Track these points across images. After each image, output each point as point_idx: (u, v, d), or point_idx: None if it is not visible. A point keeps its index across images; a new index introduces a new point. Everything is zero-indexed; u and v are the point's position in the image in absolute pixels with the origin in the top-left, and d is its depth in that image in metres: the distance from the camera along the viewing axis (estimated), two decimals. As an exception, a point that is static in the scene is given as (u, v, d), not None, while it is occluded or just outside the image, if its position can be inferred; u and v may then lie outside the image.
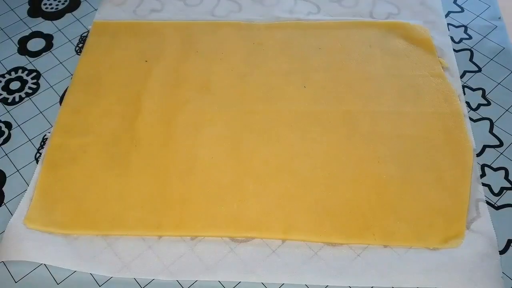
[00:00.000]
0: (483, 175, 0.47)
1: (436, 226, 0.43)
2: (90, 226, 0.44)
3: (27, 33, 0.61)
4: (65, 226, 0.44)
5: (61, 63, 0.58)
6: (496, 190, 0.46)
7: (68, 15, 0.63)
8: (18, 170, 0.49)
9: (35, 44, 0.60)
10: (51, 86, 0.56)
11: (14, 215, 0.45)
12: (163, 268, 0.42)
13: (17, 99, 0.55)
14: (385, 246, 0.43)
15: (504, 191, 0.46)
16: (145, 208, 0.45)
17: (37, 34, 0.61)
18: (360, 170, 0.47)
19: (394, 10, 0.61)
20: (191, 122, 0.51)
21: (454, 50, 0.57)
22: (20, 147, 0.51)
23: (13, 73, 0.57)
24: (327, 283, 0.41)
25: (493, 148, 0.49)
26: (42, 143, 0.51)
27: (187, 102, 0.52)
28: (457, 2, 0.63)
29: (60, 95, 0.54)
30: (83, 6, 0.64)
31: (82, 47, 0.59)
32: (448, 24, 0.60)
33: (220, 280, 0.42)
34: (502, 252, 0.43)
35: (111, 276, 0.42)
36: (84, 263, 0.42)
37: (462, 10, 0.62)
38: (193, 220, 0.44)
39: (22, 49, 0.60)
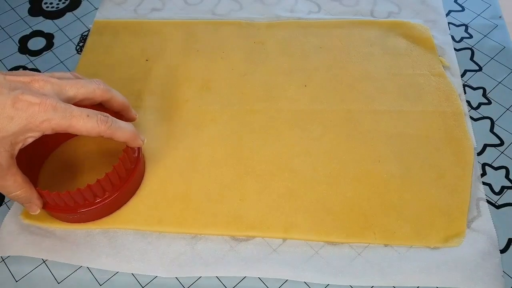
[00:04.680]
0: (483, 174, 0.47)
1: (437, 225, 0.43)
2: (88, 222, 0.44)
3: (27, 32, 0.61)
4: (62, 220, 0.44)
5: (61, 62, 0.58)
6: (496, 189, 0.46)
7: (68, 14, 0.63)
8: (19, 169, 0.49)
9: (36, 43, 0.60)
10: (52, 85, 0.56)
11: (11, 209, 0.45)
12: (164, 266, 0.42)
13: (17, 98, 0.55)
14: (386, 245, 0.43)
15: (505, 190, 0.46)
16: (145, 207, 0.45)
17: (37, 33, 0.61)
18: (361, 169, 0.47)
19: (395, 9, 0.61)
20: (192, 120, 0.51)
21: (454, 49, 0.57)
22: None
23: (13, 72, 0.57)
24: (327, 281, 0.41)
25: (493, 147, 0.49)
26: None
27: (187, 101, 0.52)
28: (458, 1, 0.63)
29: (61, 94, 0.54)
30: (84, 5, 0.64)
31: (82, 46, 0.59)
32: (449, 23, 0.60)
33: (220, 279, 0.42)
34: (503, 251, 0.43)
35: (110, 272, 0.42)
36: (82, 258, 0.42)
37: (463, 9, 0.62)
38: (194, 219, 0.44)
39: (23, 48, 0.60)
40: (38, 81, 0.37)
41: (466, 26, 0.60)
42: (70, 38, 0.61)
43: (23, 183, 0.39)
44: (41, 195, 0.40)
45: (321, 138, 0.49)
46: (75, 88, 0.39)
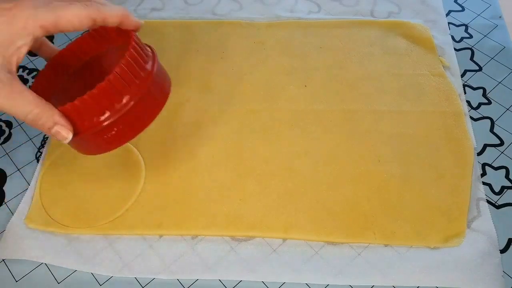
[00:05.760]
0: (483, 174, 0.47)
1: (437, 225, 0.43)
2: (90, 225, 0.44)
3: (27, 32, 0.61)
4: (65, 226, 0.44)
5: (61, 62, 0.58)
6: (496, 189, 0.46)
7: (68, 14, 0.63)
8: (18, 169, 0.49)
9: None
10: (52, 85, 0.56)
11: (15, 214, 0.45)
12: (164, 267, 0.42)
13: (17, 98, 0.55)
14: (386, 245, 0.43)
15: (505, 190, 0.46)
16: (145, 207, 0.45)
17: (37, 33, 0.61)
18: (361, 169, 0.47)
19: (395, 9, 0.61)
20: (192, 121, 0.51)
21: (454, 49, 0.57)
22: (20, 146, 0.51)
23: (13, 72, 0.57)
24: (327, 282, 0.41)
25: (493, 147, 0.49)
26: (42, 142, 0.51)
27: (187, 101, 0.52)
28: (458, 1, 0.63)
29: (61, 94, 0.54)
30: (84, 5, 0.64)
31: (82, 46, 0.59)
32: (449, 23, 0.60)
33: (220, 279, 0.42)
34: (502, 251, 0.43)
35: (111, 275, 0.42)
36: (84, 263, 0.42)
37: (463, 9, 0.62)
38: (194, 219, 0.44)
39: (23, 48, 0.60)
40: None
41: (466, 26, 0.60)
42: (70, 38, 0.60)
43: (35, 99, 0.35)
44: (64, 113, 0.35)
45: (320, 138, 0.49)
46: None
